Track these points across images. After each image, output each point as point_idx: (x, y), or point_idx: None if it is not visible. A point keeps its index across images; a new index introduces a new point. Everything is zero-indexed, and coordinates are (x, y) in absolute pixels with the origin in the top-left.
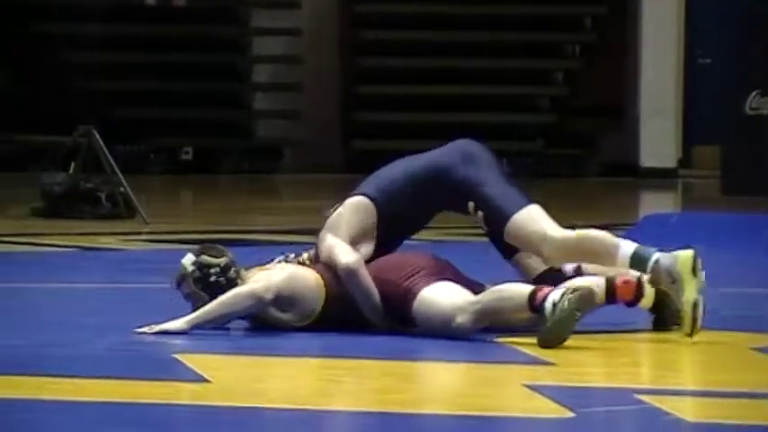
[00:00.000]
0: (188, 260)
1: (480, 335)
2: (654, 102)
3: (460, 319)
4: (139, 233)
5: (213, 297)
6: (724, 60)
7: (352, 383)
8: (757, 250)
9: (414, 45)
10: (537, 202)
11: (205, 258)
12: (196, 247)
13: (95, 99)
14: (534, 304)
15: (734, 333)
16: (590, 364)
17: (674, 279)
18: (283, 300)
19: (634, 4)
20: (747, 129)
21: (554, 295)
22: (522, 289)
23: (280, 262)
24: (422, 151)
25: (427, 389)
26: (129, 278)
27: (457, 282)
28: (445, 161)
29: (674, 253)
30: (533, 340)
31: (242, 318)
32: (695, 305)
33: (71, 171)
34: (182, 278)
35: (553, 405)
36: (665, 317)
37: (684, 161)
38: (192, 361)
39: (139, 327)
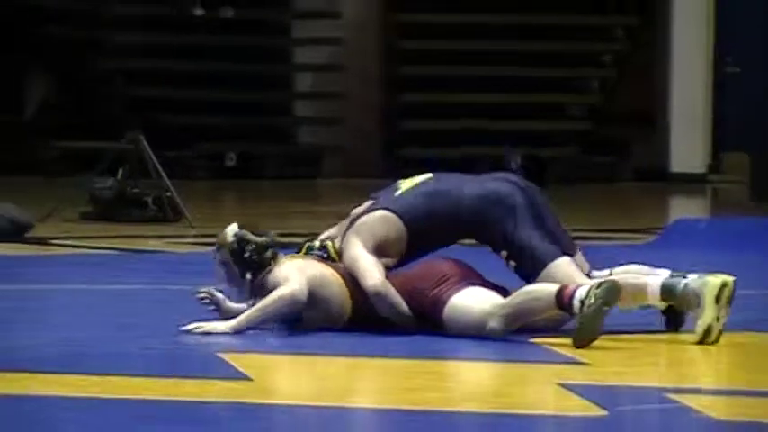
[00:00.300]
0: (231, 230)
1: (514, 335)
2: (684, 110)
3: (492, 324)
4: (185, 236)
5: (243, 273)
6: (752, 70)
7: (387, 382)
8: None
9: (453, 54)
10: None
11: (246, 234)
12: (243, 219)
13: (143, 107)
14: (563, 302)
15: (760, 334)
16: (621, 364)
17: (699, 302)
18: (311, 301)
19: (664, 16)
20: None
21: (581, 292)
22: (550, 288)
23: (309, 248)
24: (460, 162)
25: (462, 387)
26: (175, 279)
27: (483, 286)
28: (490, 205)
29: (705, 278)
30: (567, 340)
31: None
32: (708, 331)
33: (119, 176)
34: (220, 245)
35: (586, 403)
36: (675, 321)
37: (714, 167)
38: (234, 360)
39: (184, 326)
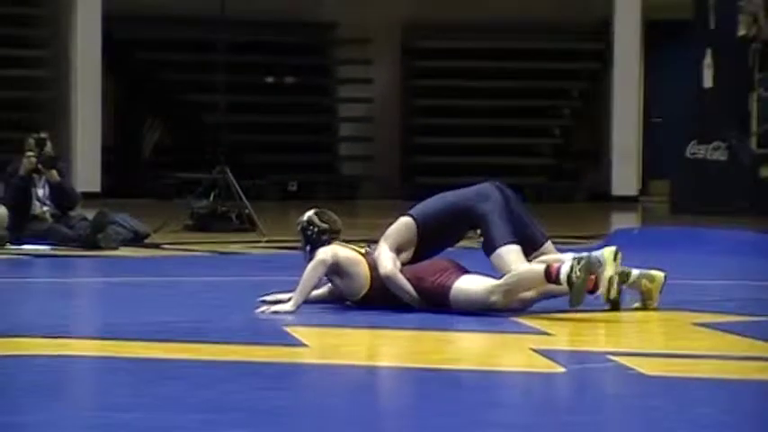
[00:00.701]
0: (308, 213)
1: (498, 313)
2: (621, 149)
3: (494, 298)
4: (259, 242)
5: (305, 245)
6: (671, 121)
7: (403, 347)
8: (698, 251)
9: (455, 109)
10: (516, 242)
11: (313, 218)
12: (320, 208)
13: (228, 148)
14: (551, 277)
15: (680, 312)
16: (576, 334)
17: (601, 263)
18: (342, 270)
19: (607, 81)
20: (688, 167)
21: (565, 268)
22: (537, 267)
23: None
24: (460, 186)
25: (458, 351)
26: (253, 273)
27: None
28: (471, 197)
29: (603, 249)
30: (537, 317)
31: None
32: (611, 279)
33: (211, 198)
34: (299, 222)
35: (550, 363)
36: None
37: (643, 191)
38: (295, 332)
39: (258, 308)
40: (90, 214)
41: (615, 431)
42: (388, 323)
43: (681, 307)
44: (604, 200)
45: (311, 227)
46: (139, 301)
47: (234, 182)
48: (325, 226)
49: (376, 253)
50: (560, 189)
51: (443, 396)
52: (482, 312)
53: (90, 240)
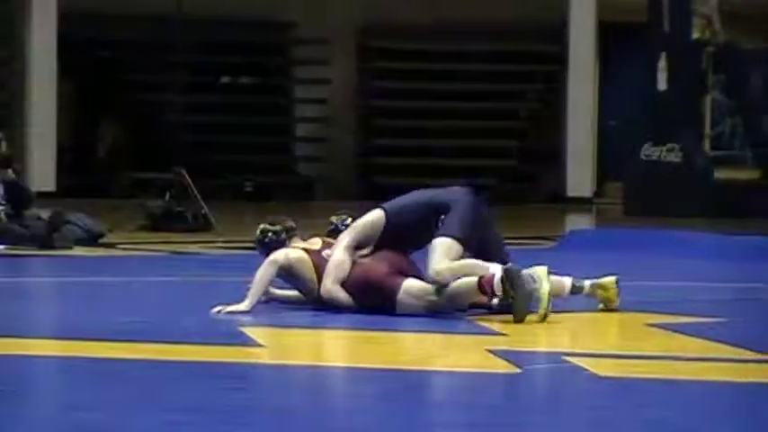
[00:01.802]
0: (260, 226)
1: (456, 315)
2: (576, 152)
3: (435, 299)
4: (215, 242)
5: (267, 254)
6: (625, 124)
7: (360, 347)
8: (650, 253)
9: (411, 111)
10: (457, 237)
11: (265, 227)
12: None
13: (184, 148)
14: (483, 290)
15: (634, 314)
16: (531, 334)
17: (536, 280)
18: (294, 273)
19: (563, 86)
20: (642, 169)
21: (496, 284)
22: (470, 282)
23: (333, 227)
24: (418, 186)
25: (415, 352)
26: (208, 273)
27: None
28: (442, 199)
29: (534, 268)
30: (493, 319)
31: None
32: (549, 294)
33: (167, 198)
34: (256, 238)
35: (506, 363)
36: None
37: (598, 193)
38: (251, 332)
39: (213, 308)
40: (45, 213)
41: (569, 431)
42: (346, 324)
43: (634, 308)
44: (560, 202)
45: (267, 234)
46: (95, 301)
47: (190, 182)
48: (278, 228)
49: (333, 250)
50: (518, 191)
51: (399, 396)
52: (437, 314)
53: (45, 240)
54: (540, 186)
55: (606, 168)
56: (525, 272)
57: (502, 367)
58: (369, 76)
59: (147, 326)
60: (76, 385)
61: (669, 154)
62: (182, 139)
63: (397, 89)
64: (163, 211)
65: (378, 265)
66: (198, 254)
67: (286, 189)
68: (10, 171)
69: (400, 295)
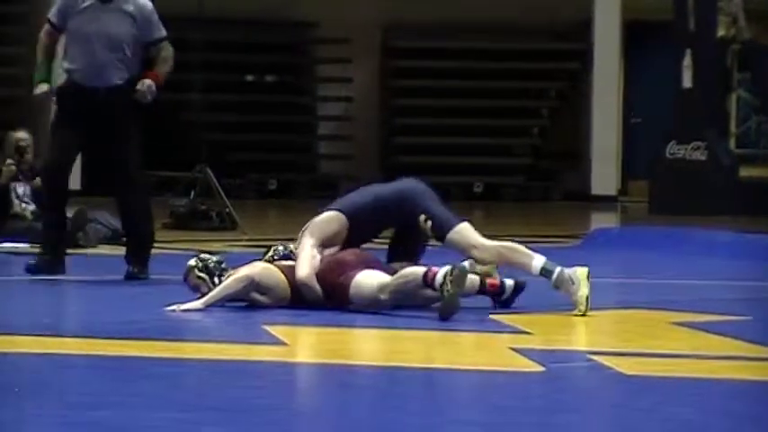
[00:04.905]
0: (191, 260)
1: (476, 313)
2: (601, 149)
3: (383, 297)
4: (240, 240)
5: (212, 279)
6: (650, 121)
7: (381, 346)
8: (675, 252)
9: (433, 109)
10: (469, 220)
11: (203, 255)
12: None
13: (210, 147)
14: (428, 284)
15: (659, 312)
16: (555, 333)
17: (574, 282)
18: (262, 286)
19: (587, 81)
20: (667, 167)
21: (438, 277)
22: (418, 271)
23: (275, 251)
24: (439, 185)
25: (436, 350)
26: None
27: (377, 269)
28: (405, 190)
29: (574, 268)
30: (518, 317)
31: (240, 300)
32: (587, 298)
33: (191, 197)
34: (188, 271)
35: (530, 362)
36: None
37: (622, 191)
38: (275, 330)
39: (169, 306)
40: (70, 212)
41: (594, 431)
42: (369, 323)
43: (659, 306)
44: (583, 200)
45: (209, 261)
46: (118, 299)
47: (214, 180)
48: (217, 257)
49: (299, 246)
50: (538, 189)
51: (422, 395)
52: (460, 312)
53: (69, 238)
54: (562, 184)
55: (631, 166)
56: (567, 272)
57: (526, 366)
58: (391, 74)
59: (169, 324)
60: (97, 383)
61: (694, 152)
62: (206, 137)
63: (419, 87)
64: (187, 209)
65: (344, 260)
66: (222, 252)
67: (309, 187)
68: (37, 180)
69: (352, 288)
